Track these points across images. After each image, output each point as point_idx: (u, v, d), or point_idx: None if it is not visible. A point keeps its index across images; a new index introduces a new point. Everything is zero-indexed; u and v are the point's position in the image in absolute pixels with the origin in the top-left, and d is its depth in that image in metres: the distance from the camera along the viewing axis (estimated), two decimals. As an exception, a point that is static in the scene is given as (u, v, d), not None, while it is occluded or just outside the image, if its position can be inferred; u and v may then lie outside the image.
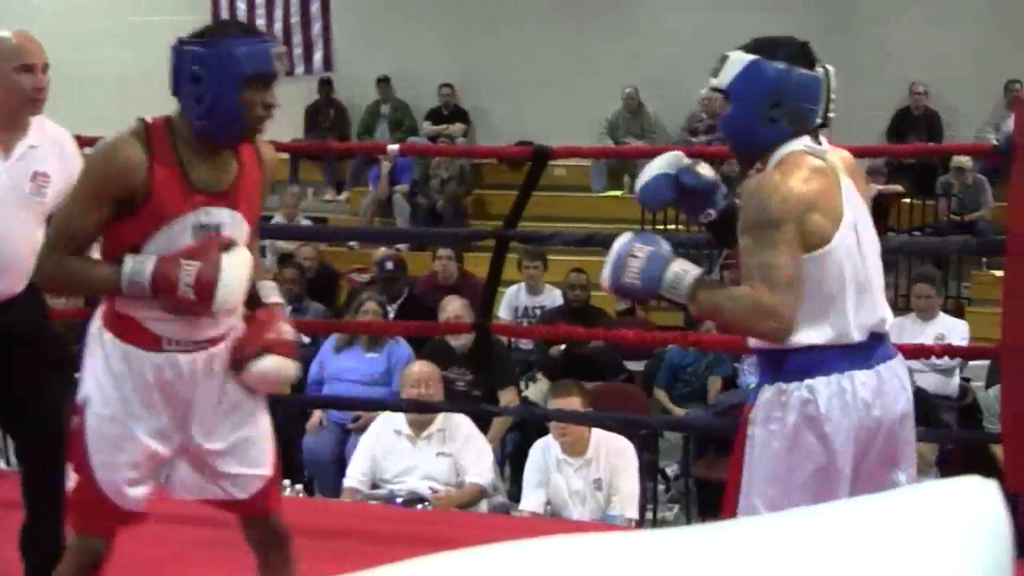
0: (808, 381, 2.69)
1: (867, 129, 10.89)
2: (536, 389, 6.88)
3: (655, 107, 12.15)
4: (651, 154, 10.76)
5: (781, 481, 2.72)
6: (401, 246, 10.25)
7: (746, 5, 11.67)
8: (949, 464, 5.97)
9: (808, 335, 2.66)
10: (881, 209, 10.15)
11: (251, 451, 2.99)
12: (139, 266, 2.72)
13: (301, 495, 5.50)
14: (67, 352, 3.58)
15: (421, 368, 5.73)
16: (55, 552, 3.09)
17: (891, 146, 10.35)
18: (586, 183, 11.98)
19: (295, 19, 13.42)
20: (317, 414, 6.65)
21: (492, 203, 11.76)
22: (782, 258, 2.55)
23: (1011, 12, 11.28)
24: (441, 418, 5.49)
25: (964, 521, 1.10)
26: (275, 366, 2.90)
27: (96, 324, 2.89)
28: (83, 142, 3.74)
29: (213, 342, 2.87)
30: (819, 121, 2.72)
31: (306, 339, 7.67)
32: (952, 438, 6.00)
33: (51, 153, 3.43)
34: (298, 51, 13.49)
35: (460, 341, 6.40)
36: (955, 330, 7.01)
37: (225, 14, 13.50)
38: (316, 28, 13.42)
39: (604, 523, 5.15)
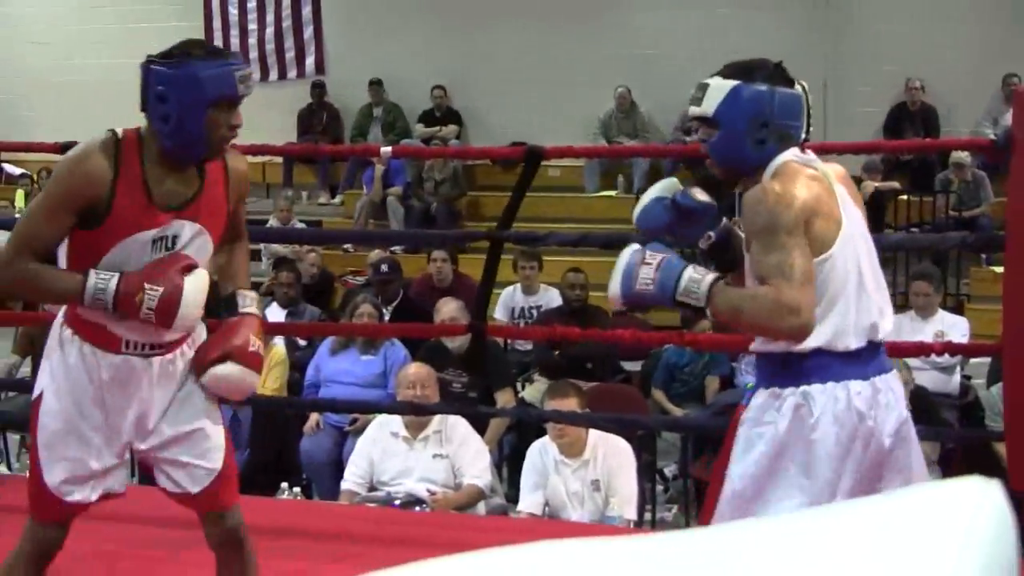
0: (804, 387, 2.68)
1: (863, 125, 10.88)
2: (533, 390, 6.85)
3: (648, 106, 12.11)
4: (644, 153, 10.77)
5: (759, 483, 2.70)
6: (396, 248, 10.23)
7: (740, 3, 11.66)
8: (951, 463, 5.94)
9: (808, 340, 2.66)
10: (878, 206, 10.14)
11: (203, 444, 3.04)
12: (103, 283, 2.81)
13: (299, 497, 5.47)
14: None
15: (417, 370, 5.71)
16: None
17: (888, 142, 10.29)
18: (580, 183, 11.96)
19: (287, 23, 13.40)
20: (314, 416, 6.63)
21: (486, 204, 11.74)
22: (797, 258, 2.57)
23: (1008, 5, 11.26)
24: (438, 420, 5.46)
25: (968, 522, 1.07)
26: (235, 373, 2.96)
27: (58, 323, 2.98)
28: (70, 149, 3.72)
29: (171, 347, 2.97)
30: (804, 136, 2.76)
31: (302, 342, 7.66)
32: (954, 437, 5.97)
33: None
34: (290, 55, 13.49)
35: (456, 343, 6.38)
36: (955, 327, 6.98)
37: (217, 20, 13.50)
38: (308, 32, 13.40)
39: (603, 524, 5.12)
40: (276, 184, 12.74)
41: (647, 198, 2.94)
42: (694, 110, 2.76)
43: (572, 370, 6.78)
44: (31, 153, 11.52)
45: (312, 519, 4.87)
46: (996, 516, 1.09)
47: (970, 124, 11.05)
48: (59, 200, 2.83)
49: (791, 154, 2.71)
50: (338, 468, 6.03)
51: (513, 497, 5.72)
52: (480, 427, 5.77)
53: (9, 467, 6.38)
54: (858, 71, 11.28)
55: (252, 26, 13.49)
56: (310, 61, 13.46)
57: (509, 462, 6.15)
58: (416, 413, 5.39)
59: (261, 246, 10.66)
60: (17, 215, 12.00)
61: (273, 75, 13.59)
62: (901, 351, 5.67)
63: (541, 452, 5.36)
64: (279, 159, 12.64)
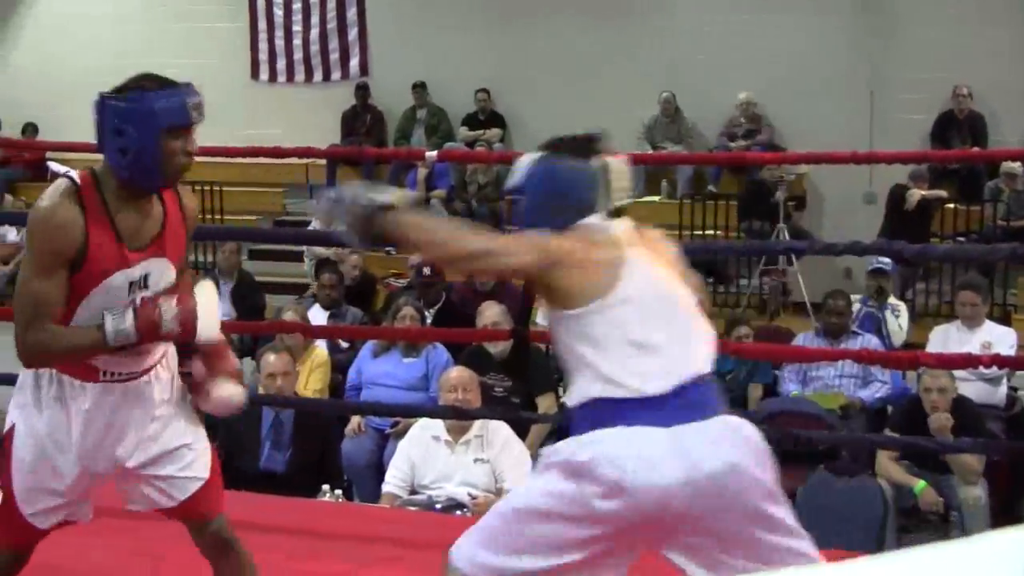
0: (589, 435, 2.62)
1: (909, 132, 10.77)
2: (575, 395, 6.82)
3: (692, 112, 12.06)
4: (690, 161, 10.72)
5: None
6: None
7: (786, 7, 11.59)
8: (997, 475, 5.89)
9: (583, 390, 2.66)
10: (924, 214, 10.06)
11: (186, 456, 3.11)
12: (119, 320, 2.87)
13: (340, 500, 5.47)
14: None
15: (460, 374, 5.69)
16: None
17: (936, 152, 10.17)
18: (624, 188, 11.89)
19: (332, 24, 13.43)
20: (356, 419, 6.64)
21: (529, 208, 11.70)
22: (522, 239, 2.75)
23: (1057, 11, 11.12)
24: (479, 424, 5.45)
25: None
26: (234, 392, 3.14)
27: None
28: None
29: (147, 371, 3.04)
30: (613, 206, 2.86)
31: (345, 344, 7.67)
32: (1000, 449, 5.91)
33: None
34: (334, 56, 13.52)
35: (498, 347, 6.37)
36: (1003, 338, 6.91)
37: (263, 21, 13.56)
38: (352, 34, 13.43)
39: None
40: (319, 185, 12.76)
41: None
42: (506, 185, 3.00)
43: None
44: (76, 153, 11.63)
45: (353, 522, 4.87)
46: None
47: (1018, 132, 10.94)
48: (48, 257, 2.86)
49: (588, 219, 2.81)
50: (379, 471, 6.03)
51: (554, 503, 5.69)
52: (521, 432, 5.76)
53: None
54: (904, 78, 11.17)
55: (297, 27, 13.54)
56: (354, 63, 13.49)
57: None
58: (458, 417, 5.38)
59: (304, 248, 10.69)
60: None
61: (317, 76, 13.63)
62: (947, 363, 5.62)
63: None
64: (322, 160, 12.67)
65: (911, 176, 10.14)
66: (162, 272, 2.98)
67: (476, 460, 5.41)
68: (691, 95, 11.93)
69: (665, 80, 11.97)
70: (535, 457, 5.77)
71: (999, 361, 5.18)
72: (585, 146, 2.91)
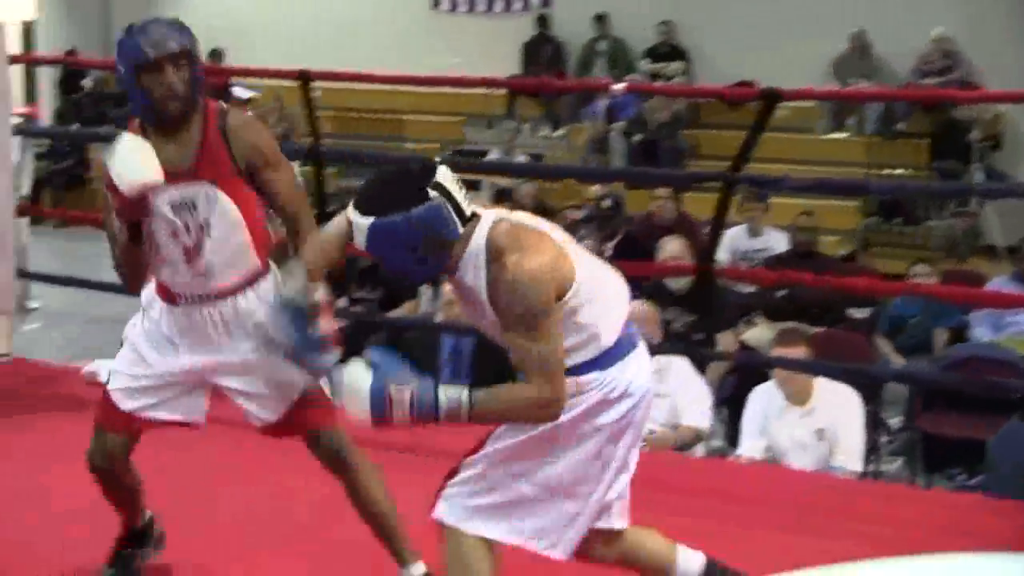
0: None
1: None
2: (755, 333, 6.70)
3: (883, 48, 11.69)
4: (881, 98, 10.45)
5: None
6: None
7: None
8: None
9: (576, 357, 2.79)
10: None
11: (277, 378, 3.25)
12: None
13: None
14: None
15: (639, 307, 5.63)
16: None
17: None
18: (810, 124, 11.63)
19: (514, -45, 13.40)
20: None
21: (708, 142, 11.55)
22: (553, 345, 2.68)
23: None
24: (658, 359, 5.39)
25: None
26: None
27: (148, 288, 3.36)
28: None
29: (223, 295, 3.24)
30: (466, 214, 2.71)
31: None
32: None
33: None
34: (515, -13, 13.50)
35: (679, 282, 6.28)
36: None
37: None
38: (534, -37, 13.37)
39: (826, 474, 4.99)
40: (498, 116, 12.78)
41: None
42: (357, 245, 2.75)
43: (796, 314, 6.62)
44: (259, 78, 11.85)
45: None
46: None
47: None
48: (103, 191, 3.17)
49: (486, 222, 2.72)
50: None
51: (732, 440, 5.63)
52: (699, 365, 5.68)
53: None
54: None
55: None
56: (536, -7, 13.45)
57: (729, 405, 6.03)
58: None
59: (481, 178, 10.71)
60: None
61: (499, 7, 13.61)
62: None
63: (765, 397, 5.25)
64: (502, 91, 12.68)
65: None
66: (209, 199, 3.16)
67: (655, 395, 5.34)
68: (883, 30, 11.56)
69: (855, 14, 11.62)
70: (712, 394, 5.73)
71: None
72: (409, 185, 2.67)
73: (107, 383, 3.38)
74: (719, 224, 5.42)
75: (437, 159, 2.83)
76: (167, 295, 3.28)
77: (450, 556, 2.85)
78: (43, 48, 14.04)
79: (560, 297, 2.68)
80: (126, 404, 3.31)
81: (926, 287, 5.80)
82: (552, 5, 13.34)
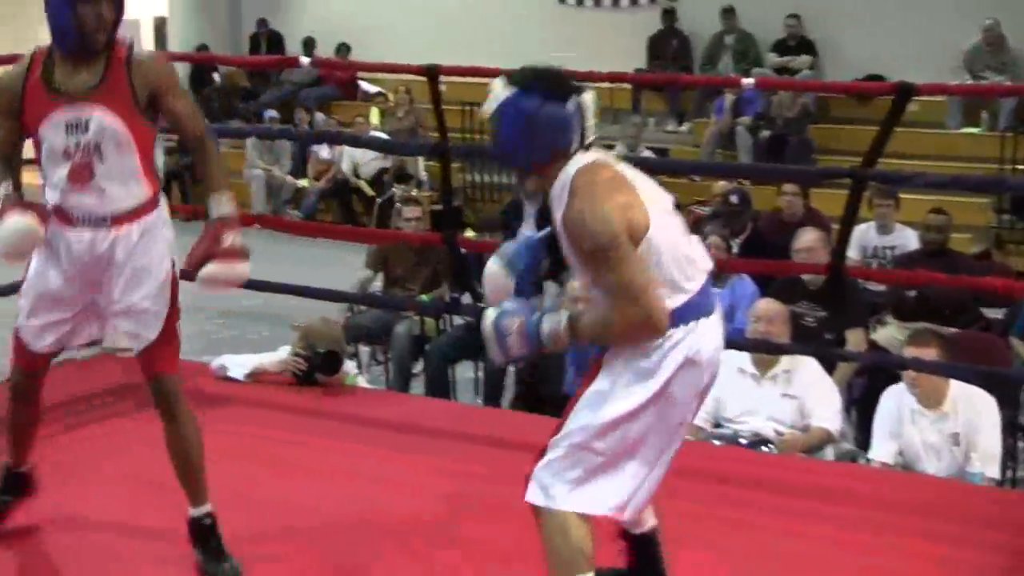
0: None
1: None
2: (885, 332, 6.57)
3: (1019, 41, 11.39)
4: (1014, 92, 10.08)
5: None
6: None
7: None
8: None
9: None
10: None
11: (144, 316, 3.50)
12: None
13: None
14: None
15: (768, 306, 5.55)
16: None
17: None
18: (941, 119, 11.39)
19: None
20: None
21: (836, 137, 11.37)
22: (632, 272, 2.79)
23: None
24: (787, 358, 5.32)
25: None
26: (219, 271, 3.43)
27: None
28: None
29: (118, 222, 3.45)
30: (585, 143, 2.92)
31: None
32: None
33: None
34: (642, -20, 13.44)
35: (812, 276, 6.18)
36: None
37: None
38: (657, -43, 13.30)
39: (962, 481, 4.87)
40: (624, 110, 12.72)
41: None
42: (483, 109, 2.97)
43: (928, 314, 6.47)
44: (387, 73, 11.93)
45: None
46: None
47: None
48: None
49: (580, 160, 2.89)
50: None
51: (863, 443, 5.52)
52: (828, 366, 5.58)
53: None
54: None
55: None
56: (661, -13, 13.37)
57: (859, 407, 5.92)
58: (764, 351, 5.26)
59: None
60: (372, 132, 12.48)
61: (625, 1, 13.55)
62: None
63: (897, 400, 5.14)
64: (627, 85, 12.61)
65: None
66: (102, 122, 3.36)
67: (783, 395, 5.29)
68: (1017, 21, 11.27)
69: (990, 6, 11.34)
70: (842, 395, 5.62)
71: None
72: (561, 85, 2.92)
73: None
74: (850, 221, 5.32)
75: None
76: (63, 216, 3.46)
77: (546, 535, 2.97)
78: (174, 45, 14.34)
79: (634, 242, 2.81)
80: (36, 344, 3.57)
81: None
82: (678, -1, 13.28)
